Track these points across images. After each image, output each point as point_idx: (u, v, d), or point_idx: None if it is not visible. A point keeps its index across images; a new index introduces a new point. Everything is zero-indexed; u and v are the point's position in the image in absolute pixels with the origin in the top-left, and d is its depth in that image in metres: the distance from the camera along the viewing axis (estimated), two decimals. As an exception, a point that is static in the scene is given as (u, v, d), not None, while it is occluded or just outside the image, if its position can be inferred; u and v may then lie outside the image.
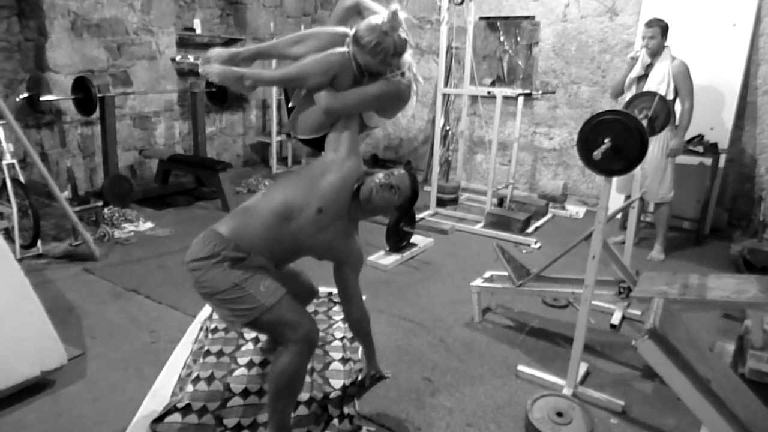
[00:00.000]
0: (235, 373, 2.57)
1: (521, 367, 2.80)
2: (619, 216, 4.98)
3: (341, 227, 2.13)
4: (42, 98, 4.99)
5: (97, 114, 5.11)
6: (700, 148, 4.80)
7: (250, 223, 2.01)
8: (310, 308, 3.23)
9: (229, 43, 7.03)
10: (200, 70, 2.16)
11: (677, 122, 4.30)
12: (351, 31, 2.10)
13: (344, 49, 2.09)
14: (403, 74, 2.14)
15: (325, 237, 2.08)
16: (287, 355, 1.97)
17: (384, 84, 2.14)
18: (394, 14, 2.03)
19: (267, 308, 1.95)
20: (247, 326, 2.03)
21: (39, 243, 4.07)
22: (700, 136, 4.92)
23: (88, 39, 5.33)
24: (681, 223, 5.27)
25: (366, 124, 2.28)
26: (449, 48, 6.13)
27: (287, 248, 2.08)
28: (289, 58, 2.17)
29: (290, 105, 2.31)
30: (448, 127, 6.62)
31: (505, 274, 3.24)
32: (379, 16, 2.06)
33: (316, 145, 2.25)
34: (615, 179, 2.67)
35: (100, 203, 4.71)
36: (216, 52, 2.19)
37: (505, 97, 5.27)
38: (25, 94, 5.07)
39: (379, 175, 2.14)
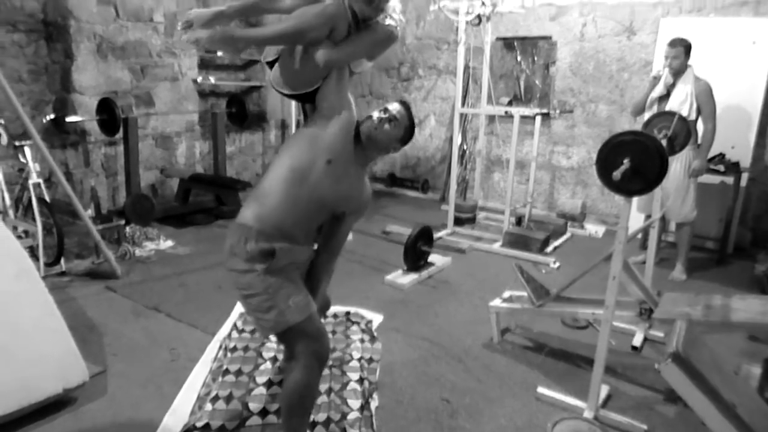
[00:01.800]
0: (254, 393, 2.58)
1: (541, 389, 2.76)
2: (639, 235, 4.93)
3: (354, 172, 2.13)
4: (68, 119, 5.11)
5: (120, 134, 5.21)
6: (721, 167, 4.75)
7: (267, 203, 2.00)
8: (328, 327, 3.24)
9: (249, 64, 7.16)
10: (184, 37, 2.01)
11: (699, 141, 4.28)
12: None
13: (333, 1, 2.03)
14: (391, 17, 2.13)
15: (344, 185, 2.07)
16: (298, 370, 1.99)
17: (378, 30, 2.12)
18: None
19: (290, 325, 1.96)
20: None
21: (62, 261, 4.14)
22: (722, 155, 4.87)
23: (112, 61, 5.46)
24: (703, 243, 5.20)
25: (353, 71, 2.23)
26: (466, 68, 6.17)
27: (310, 210, 2.05)
28: (277, 13, 2.11)
29: (267, 59, 2.20)
30: (465, 146, 6.64)
31: (524, 294, 3.21)
32: None
33: (304, 99, 2.21)
34: (635, 198, 2.65)
35: (122, 222, 4.79)
36: (196, 12, 2.05)
37: (523, 117, 5.28)
38: (52, 116, 5.19)
39: (375, 113, 2.13)
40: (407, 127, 2.15)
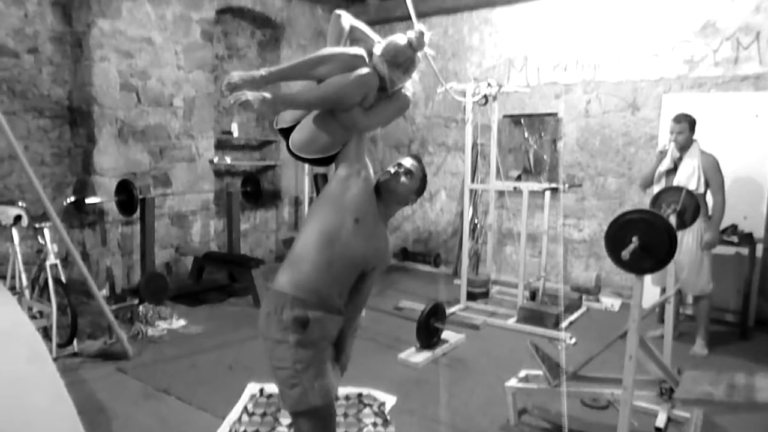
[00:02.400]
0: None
1: (561, 475, 2.65)
2: (656, 308, 4.85)
3: (381, 229, 2.19)
4: (87, 200, 5.25)
5: (137, 214, 5.33)
6: (734, 239, 4.73)
7: (301, 268, 2.04)
8: (340, 410, 3.17)
9: (264, 144, 7.39)
10: (230, 98, 2.02)
11: (710, 213, 4.29)
12: (378, 50, 2.13)
13: (369, 68, 2.11)
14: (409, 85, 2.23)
15: (372, 242, 2.12)
16: None
17: (400, 98, 2.22)
18: (422, 34, 2.12)
19: (311, 407, 1.97)
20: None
21: (75, 341, 4.14)
22: (734, 226, 4.86)
23: (132, 144, 5.67)
24: (723, 316, 5.09)
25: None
26: (475, 145, 6.31)
27: (343, 271, 2.08)
28: (312, 79, 2.16)
29: (280, 126, 2.25)
30: (476, 220, 6.68)
31: (541, 373, 3.14)
32: (404, 36, 2.13)
33: (322, 162, 2.26)
34: (647, 275, 2.64)
35: (136, 301, 4.82)
36: (239, 75, 2.06)
37: (532, 191, 5.34)
38: (72, 198, 5.34)
39: (391, 169, 2.19)
40: (421, 179, 2.25)
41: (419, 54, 2.16)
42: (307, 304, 1.99)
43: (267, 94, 1.98)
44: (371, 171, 2.22)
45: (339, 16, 2.18)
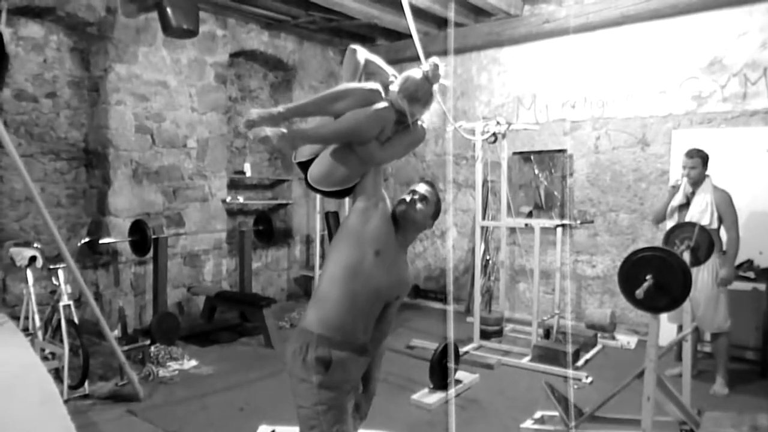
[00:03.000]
0: None
1: None
2: (674, 346, 4.76)
3: (401, 258, 2.21)
4: (101, 241, 5.31)
5: (150, 254, 5.36)
6: (751, 274, 4.67)
7: (327, 305, 2.06)
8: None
9: (276, 183, 7.46)
10: (250, 135, 2.06)
11: (725, 248, 4.24)
12: (396, 87, 2.15)
13: (386, 103, 2.14)
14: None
15: (394, 272, 2.13)
16: None
17: (417, 130, 2.24)
18: (437, 66, 2.15)
19: None
20: None
21: (86, 383, 4.13)
22: (750, 261, 4.80)
23: (147, 185, 5.76)
24: (742, 353, 4.98)
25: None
26: (485, 182, 6.34)
27: (368, 304, 2.09)
28: (329, 115, 2.18)
29: (299, 160, 2.27)
30: (488, 257, 6.65)
31: (556, 414, 3.08)
32: (419, 70, 2.16)
33: (339, 195, 2.28)
34: (663, 313, 2.60)
35: (148, 341, 4.80)
36: (257, 112, 2.06)
37: (544, 227, 5.32)
38: (87, 239, 5.40)
39: (406, 197, 2.20)
40: (436, 203, 2.28)
41: (435, 86, 2.21)
42: (332, 343, 2.01)
43: (285, 130, 2.02)
44: (388, 202, 2.24)
45: (354, 50, 2.22)
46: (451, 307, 6.88)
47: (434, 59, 2.20)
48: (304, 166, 2.25)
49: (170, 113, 5.93)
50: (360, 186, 2.19)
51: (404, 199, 2.21)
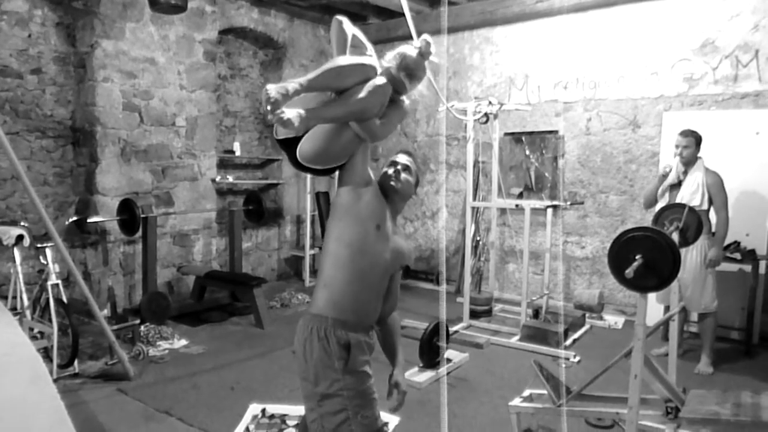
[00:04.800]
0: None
1: (568, 498, 2.61)
2: (661, 326, 4.82)
3: (397, 228, 2.23)
4: (89, 220, 5.26)
5: (139, 233, 5.33)
6: (737, 255, 4.71)
7: (336, 286, 2.03)
8: None
9: (266, 163, 7.41)
10: (271, 117, 1.92)
11: (713, 230, 4.28)
12: (394, 63, 2.15)
13: (384, 79, 2.13)
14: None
15: (394, 243, 2.15)
16: None
17: (402, 106, 2.25)
18: (429, 43, 2.15)
19: None
20: None
21: (76, 362, 4.12)
22: (737, 243, 4.85)
23: (135, 163, 5.70)
24: (728, 333, 5.06)
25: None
26: (476, 163, 6.33)
27: (376, 279, 2.10)
28: (334, 90, 2.13)
29: (282, 137, 2.18)
30: (478, 238, 6.67)
31: (545, 392, 3.11)
32: (412, 47, 2.16)
33: (326, 172, 2.26)
34: (651, 293, 2.62)
35: (138, 321, 4.79)
36: (276, 90, 1.90)
37: (534, 209, 5.34)
38: (74, 218, 5.35)
39: (389, 170, 2.21)
40: (417, 171, 2.31)
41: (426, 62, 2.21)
42: (347, 326, 2.00)
43: (303, 111, 1.95)
44: (373, 177, 2.23)
45: (341, 21, 2.18)
46: (443, 287, 6.92)
47: (426, 36, 2.19)
48: (285, 143, 2.18)
49: (158, 91, 5.84)
50: (349, 163, 2.16)
51: (388, 172, 2.21)
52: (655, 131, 5.60)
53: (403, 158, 2.26)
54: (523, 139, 6.50)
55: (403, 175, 2.21)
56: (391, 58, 2.17)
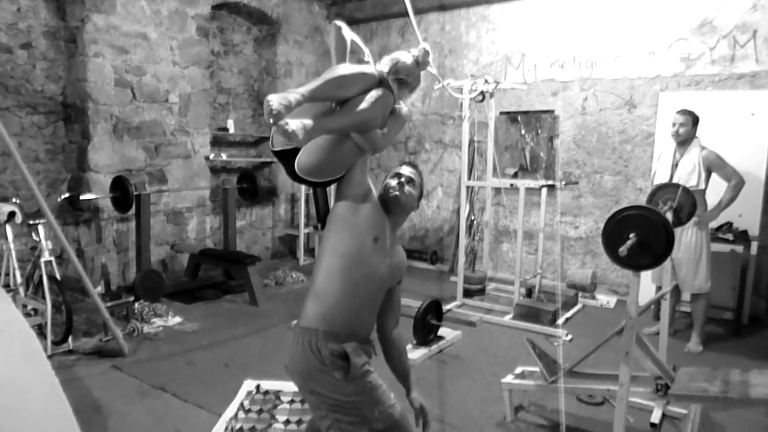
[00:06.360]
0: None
1: (558, 472, 2.65)
2: (652, 306, 4.86)
3: (396, 242, 2.18)
4: (82, 197, 5.22)
5: (133, 211, 5.30)
6: (729, 236, 4.74)
7: (328, 299, 1.99)
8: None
9: (260, 141, 7.36)
10: (275, 130, 1.87)
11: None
12: (386, 68, 2.12)
13: (385, 89, 2.08)
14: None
15: (393, 257, 2.11)
16: None
17: (402, 114, 2.20)
18: (427, 52, 2.14)
19: (377, 429, 1.97)
20: None
21: (70, 339, 4.12)
22: (729, 224, 4.88)
23: (128, 141, 5.65)
24: (718, 313, 5.10)
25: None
26: (471, 142, 6.31)
27: (371, 293, 2.05)
28: (334, 100, 2.08)
29: (278, 148, 2.12)
30: (473, 217, 6.68)
31: (537, 369, 3.15)
32: (408, 54, 2.14)
33: (325, 184, 2.22)
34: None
35: (132, 298, 4.80)
36: (278, 101, 1.81)
37: (528, 188, 5.34)
38: (67, 194, 5.31)
39: (392, 182, 2.17)
40: (420, 184, 2.26)
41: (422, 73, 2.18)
42: (339, 338, 1.94)
43: (308, 122, 1.89)
44: (373, 189, 2.20)
45: (340, 27, 2.12)
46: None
47: (424, 45, 2.16)
48: (282, 154, 2.12)
49: (151, 67, 5.77)
50: (348, 175, 2.12)
51: (391, 183, 2.17)
52: (651, 111, 5.59)
53: (407, 170, 2.22)
54: (519, 118, 6.47)
55: (407, 188, 2.16)
56: (385, 62, 2.14)
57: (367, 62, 2.15)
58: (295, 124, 1.85)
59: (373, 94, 2.03)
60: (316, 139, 2.04)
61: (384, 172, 7.53)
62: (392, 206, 2.15)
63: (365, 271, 2.01)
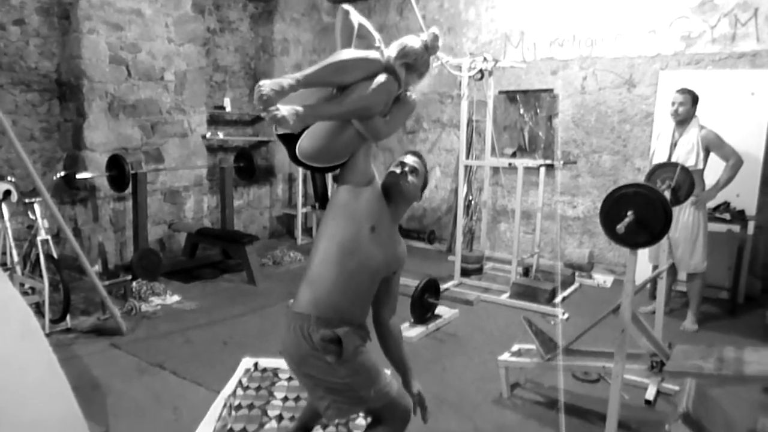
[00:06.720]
0: (258, 454, 2.51)
1: (553, 448, 2.68)
2: (648, 285, 4.88)
3: (395, 232, 2.17)
4: (78, 176, 5.19)
5: (129, 190, 5.28)
6: (727, 216, 4.74)
7: (321, 285, 2.00)
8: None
9: (257, 120, 7.31)
10: (265, 115, 1.85)
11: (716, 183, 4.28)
12: (394, 53, 2.08)
13: (388, 75, 2.06)
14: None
15: (390, 247, 2.10)
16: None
17: (409, 101, 2.19)
18: (436, 37, 2.10)
19: (372, 409, 2.05)
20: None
21: (68, 317, 4.13)
22: (727, 204, 4.88)
23: (123, 119, 5.60)
24: (714, 292, 5.13)
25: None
26: (470, 121, 6.27)
27: (365, 282, 2.06)
28: (334, 86, 2.06)
29: (282, 132, 2.09)
30: (471, 197, 6.67)
31: (533, 347, 3.17)
32: (417, 39, 2.10)
33: (327, 170, 2.21)
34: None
35: (129, 277, 4.80)
36: (269, 87, 1.81)
37: (527, 168, 5.33)
38: (62, 173, 5.28)
39: (396, 170, 2.15)
40: (424, 174, 2.24)
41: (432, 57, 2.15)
42: (331, 324, 1.95)
43: (300, 108, 1.87)
44: (377, 176, 2.18)
45: (348, 12, 2.08)
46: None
47: (434, 29, 2.12)
48: (285, 138, 2.10)
49: (146, 44, 5.70)
50: (351, 162, 2.10)
51: (394, 172, 2.15)
52: (651, 90, 5.55)
53: (411, 159, 2.20)
54: (518, 97, 6.43)
55: (410, 178, 2.15)
56: (393, 47, 2.10)
57: (378, 48, 2.11)
58: (285, 110, 1.83)
59: (376, 81, 2.01)
60: (318, 124, 2.03)
61: (381, 151, 7.49)
62: (394, 195, 2.14)
63: (360, 259, 2.00)
